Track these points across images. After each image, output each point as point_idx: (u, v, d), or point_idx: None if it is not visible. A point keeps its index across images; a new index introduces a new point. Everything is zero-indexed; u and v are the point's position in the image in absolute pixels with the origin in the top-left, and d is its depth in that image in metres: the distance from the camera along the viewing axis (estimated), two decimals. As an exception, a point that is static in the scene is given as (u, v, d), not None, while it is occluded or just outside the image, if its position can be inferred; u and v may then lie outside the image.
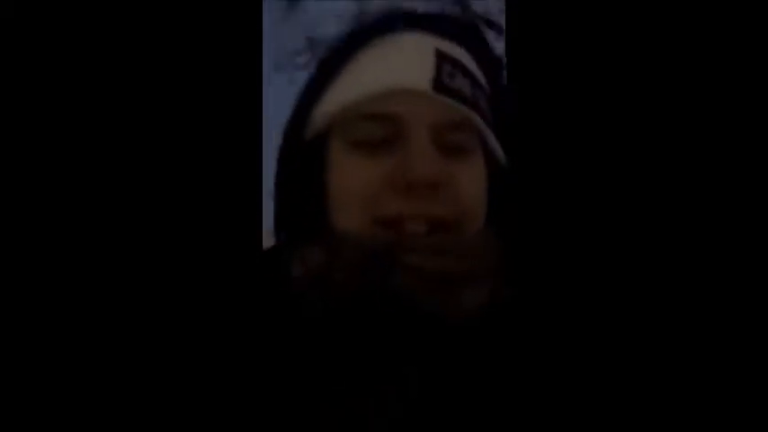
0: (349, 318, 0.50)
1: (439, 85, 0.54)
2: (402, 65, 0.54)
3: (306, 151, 0.57)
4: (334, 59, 0.57)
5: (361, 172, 0.53)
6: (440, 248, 0.50)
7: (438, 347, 0.49)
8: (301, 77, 0.59)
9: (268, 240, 0.58)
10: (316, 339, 0.50)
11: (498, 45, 0.64)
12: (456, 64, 0.56)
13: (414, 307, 0.49)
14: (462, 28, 0.60)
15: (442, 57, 0.55)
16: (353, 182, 0.53)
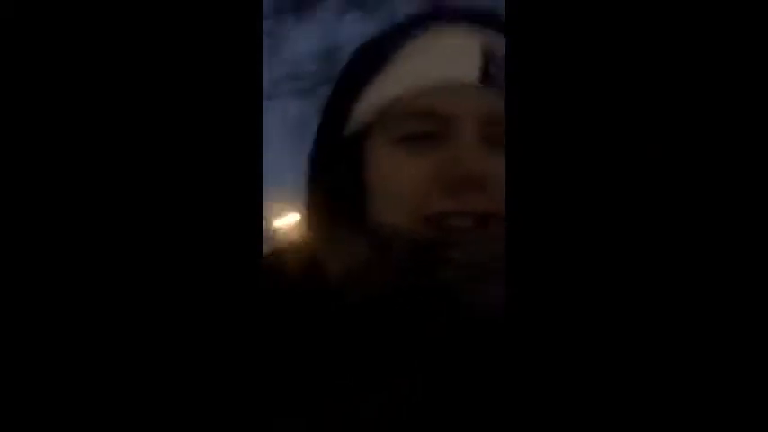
0: (391, 314, 0.50)
1: (486, 78, 0.54)
2: (448, 58, 0.54)
3: (346, 146, 0.56)
4: (376, 53, 0.57)
5: (408, 169, 0.53)
6: (485, 243, 0.50)
7: (479, 342, 0.49)
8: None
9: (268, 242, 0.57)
10: (352, 336, 0.50)
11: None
12: (501, 57, 0.55)
13: (460, 301, 0.49)
14: (502, 21, 0.59)
15: (487, 50, 0.55)
16: (401, 180, 0.53)
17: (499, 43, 0.55)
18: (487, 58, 0.54)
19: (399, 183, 0.53)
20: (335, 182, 0.56)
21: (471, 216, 0.52)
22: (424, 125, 0.53)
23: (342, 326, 0.50)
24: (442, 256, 0.50)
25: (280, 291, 0.52)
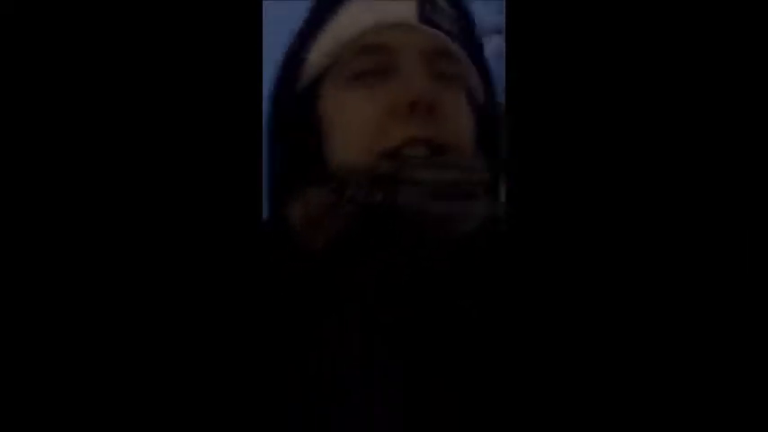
0: (355, 254, 0.50)
1: (424, 17, 0.57)
2: (389, 5, 0.57)
3: (302, 96, 0.58)
4: (324, 5, 0.60)
5: (360, 105, 0.54)
6: (442, 164, 0.52)
7: (446, 266, 0.49)
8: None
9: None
10: (316, 281, 0.50)
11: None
12: (435, 4, 0.58)
13: (422, 221, 0.49)
14: None
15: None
16: (355, 117, 0.54)
17: None
18: (423, 3, 0.57)
19: (353, 120, 0.54)
20: (293, 131, 0.58)
21: (425, 144, 0.52)
22: (371, 60, 0.55)
23: (308, 274, 0.50)
24: (402, 179, 0.50)
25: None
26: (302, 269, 0.50)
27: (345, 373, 0.46)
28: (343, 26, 0.57)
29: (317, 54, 0.58)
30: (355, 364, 0.46)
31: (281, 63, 0.61)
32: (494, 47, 0.67)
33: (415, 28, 0.56)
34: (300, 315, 0.48)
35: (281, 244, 0.52)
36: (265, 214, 0.59)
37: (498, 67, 0.57)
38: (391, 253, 0.49)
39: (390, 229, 0.50)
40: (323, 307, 0.48)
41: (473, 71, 0.60)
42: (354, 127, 0.54)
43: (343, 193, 0.51)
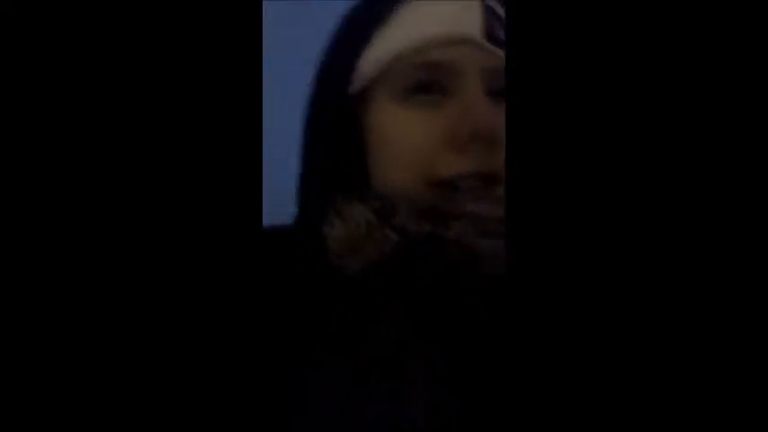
0: (394, 281, 0.49)
1: (488, 34, 0.54)
2: (453, 14, 0.54)
3: (347, 107, 0.55)
4: (378, 8, 0.56)
5: (414, 128, 0.52)
6: (493, 198, 0.50)
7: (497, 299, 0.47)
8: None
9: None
10: (356, 309, 0.49)
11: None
12: (499, 17, 0.56)
13: (467, 259, 0.48)
14: None
15: (488, 9, 0.55)
16: (407, 140, 0.52)
17: (498, 4, 0.56)
18: (488, 17, 0.54)
19: (406, 143, 0.52)
20: (335, 146, 0.55)
21: (480, 177, 0.51)
22: (432, 77, 0.52)
23: (343, 299, 0.49)
24: (452, 213, 0.49)
25: (279, 267, 0.51)
26: (333, 285, 0.50)
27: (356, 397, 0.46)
28: (402, 34, 0.54)
29: (371, 60, 0.54)
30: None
31: (326, 63, 0.57)
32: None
33: (480, 46, 0.53)
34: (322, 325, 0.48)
35: (310, 256, 0.51)
36: (293, 220, 0.57)
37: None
38: (432, 287, 0.49)
39: (435, 263, 0.49)
40: (349, 324, 0.48)
41: None
42: (408, 149, 0.52)
43: (389, 218, 0.50)
